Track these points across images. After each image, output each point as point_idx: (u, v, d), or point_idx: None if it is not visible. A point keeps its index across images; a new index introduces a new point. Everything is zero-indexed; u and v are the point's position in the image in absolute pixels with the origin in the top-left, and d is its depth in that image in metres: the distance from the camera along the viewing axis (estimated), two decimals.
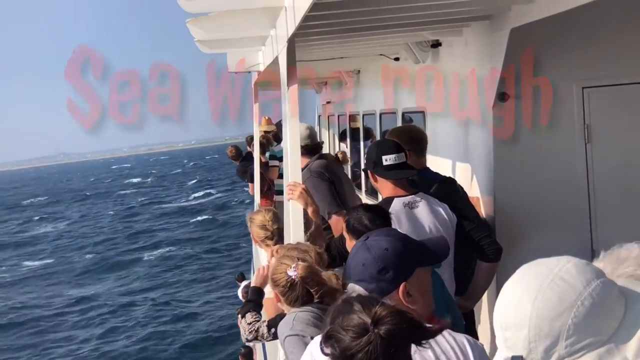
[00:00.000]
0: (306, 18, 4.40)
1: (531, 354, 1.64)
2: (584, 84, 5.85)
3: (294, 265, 3.83)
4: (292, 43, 5.06)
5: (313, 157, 7.14)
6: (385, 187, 5.09)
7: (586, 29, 5.77)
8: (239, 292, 16.54)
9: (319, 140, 7.85)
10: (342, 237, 4.74)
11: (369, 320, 2.07)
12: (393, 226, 4.69)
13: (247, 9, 5.45)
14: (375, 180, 5.12)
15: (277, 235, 5.52)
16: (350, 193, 7.29)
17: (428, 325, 2.21)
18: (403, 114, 9.15)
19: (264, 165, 12.41)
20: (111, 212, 60.74)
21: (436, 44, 7.28)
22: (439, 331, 2.20)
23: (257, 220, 5.60)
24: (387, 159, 5.03)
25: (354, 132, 13.21)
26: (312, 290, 3.78)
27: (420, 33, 6.91)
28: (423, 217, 4.97)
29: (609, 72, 5.85)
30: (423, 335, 2.12)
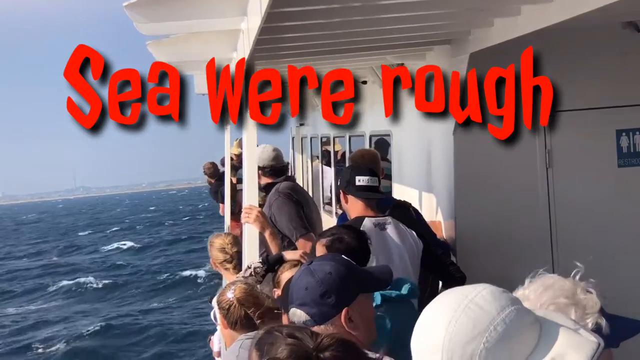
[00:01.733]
0: (262, 41, 4.40)
1: None
2: None
3: (233, 287, 3.84)
4: (251, 66, 5.04)
5: (280, 179, 7.13)
6: (355, 208, 5.10)
7: (546, 54, 5.79)
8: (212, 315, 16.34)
9: (285, 162, 7.84)
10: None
11: (311, 348, 2.03)
12: None
13: (207, 31, 5.44)
14: (346, 201, 5.14)
15: (236, 258, 5.50)
16: (317, 215, 7.27)
17: (371, 355, 2.18)
18: (370, 136, 9.16)
19: (233, 188, 12.35)
20: None
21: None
22: None
23: (217, 243, 5.61)
24: (361, 180, 5.07)
25: (325, 153, 13.22)
26: (249, 312, 3.77)
27: (384, 57, 6.93)
28: (391, 239, 4.98)
29: (571, 97, 5.88)
30: None
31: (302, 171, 16.10)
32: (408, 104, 7.26)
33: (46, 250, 58.50)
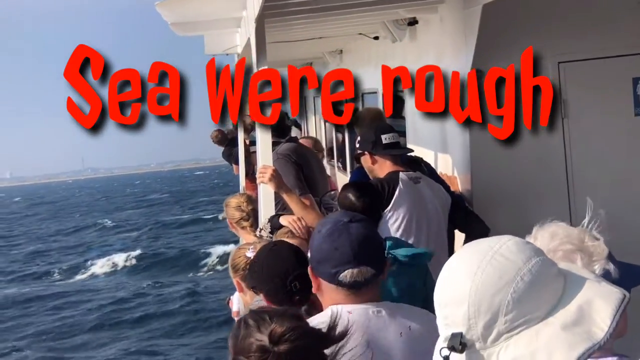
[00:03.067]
0: None
1: (470, 330, 1.61)
2: (560, 58, 5.80)
3: (251, 247, 3.82)
4: (260, 24, 5.00)
5: (284, 139, 7.09)
6: (384, 168, 5.13)
7: (560, 3, 5.73)
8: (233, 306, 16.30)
9: (287, 121, 7.77)
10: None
11: (267, 341, 2.04)
12: (399, 197, 4.84)
13: None
14: (373, 162, 5.15)
15: (252, 216, 5.54)
16: (322, 178, 7.23)
17: (331, 329, 2.17)
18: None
19: (246, 149, 12.36)
20: None
21: (413, 22, 7.22)
22: (343, 335, 2.15)
23: (233, 202, 5.66)
24: (386, 138, 5.13)
25: None
26: None
27: (395, 11, 6.84)
28: (426, 192, 5.11)
29: (585, 46, 5.81)
30: (327, 343, 2.10)
31: (315, 132, 16.07)
32: (423, 57, 7.21)
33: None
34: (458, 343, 1.58)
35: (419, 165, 5.66)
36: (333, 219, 2.87)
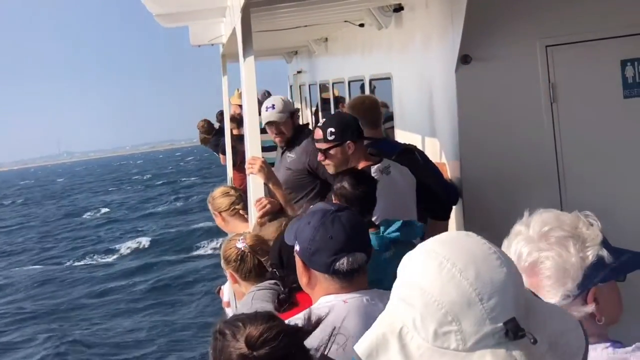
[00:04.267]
0: None
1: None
2: (547, 42, 5.76)
3: (241, 237, 3.85)
4: (246, 12, 4.94)
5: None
6: (359, 157, 5.08)
7: None
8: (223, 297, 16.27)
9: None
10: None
11: (245, 348, 2.04)
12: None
13: None
14: (352, 150, 5.09)
15: (242, 200, 5.50)
16: None
17: (306, 320, 2.19)
18: (370, 80, 9.05)
19: (239, 139, 12.30)
20: None
21: (398, 9, 7.17)
22: (318, 323, 2.17)
23: (217, 192, 5.60)
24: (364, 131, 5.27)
25: (325, 102, 13.11)
26: (262, 260, 3.79)
27: None
28: (398, 180, 5.09)
29: (573, 29, 5.77)
30: (303, 335, 2.11)
31: (302, 120, 16.02)
32: (409, 44, 7.19)
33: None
34: (517, 328, 1.48)
35: (412, 154, 5.62)
36: (320, 210, 2.91)
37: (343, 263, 2.76)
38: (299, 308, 3.04)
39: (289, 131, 6.21)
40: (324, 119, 5.33)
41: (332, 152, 5.04)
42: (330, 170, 5.15)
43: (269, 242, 3.83)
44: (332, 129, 5.05)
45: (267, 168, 4.99)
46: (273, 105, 6.15)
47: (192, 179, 74.92)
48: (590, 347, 1.68)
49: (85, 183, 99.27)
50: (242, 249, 3.83)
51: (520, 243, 2.13)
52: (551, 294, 2.06)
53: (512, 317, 1.48)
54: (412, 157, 5.54)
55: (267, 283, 3.62)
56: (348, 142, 5.02)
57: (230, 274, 3.92)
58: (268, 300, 3.54)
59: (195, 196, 51.59)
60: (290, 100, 7.47)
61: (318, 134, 5.13)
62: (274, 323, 2.10)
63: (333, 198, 4.36)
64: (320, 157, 5.14)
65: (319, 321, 2.17)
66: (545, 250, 2.10)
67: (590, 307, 2.09)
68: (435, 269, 1.52)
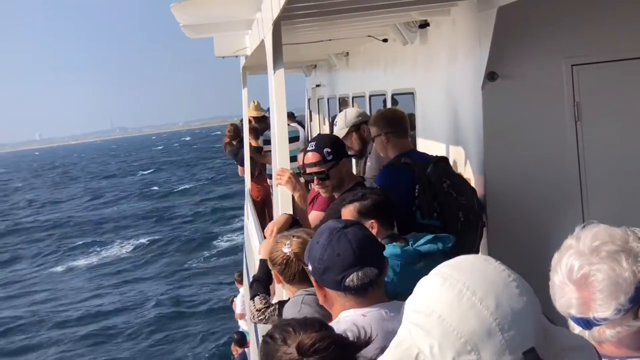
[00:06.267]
0: (291, 0, 4.35)
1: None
2: (573, 61, 5.80)
3: (288, 242, 3.89)
4: (277, 26, 5.00)
5: None
6: (350, 174, 5.26)
7: (574, 6, 5.73)
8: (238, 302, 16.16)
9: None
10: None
11: (295, 354, 2.05)
12: None
13: None
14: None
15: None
16: None
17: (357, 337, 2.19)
18: (392, 95, 9.10)
19: (257, 150, 12.34)
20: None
21: (424, 25, 7.22)
22: (368, 342, 2.16)
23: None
24: None
25: None
26: (305, 267, 3.79)
27: (407, 13, 6.84)
28: None
29: (598, 49, 5.81)
30: (354, 351, 2.10)
31: (319, 131, 16.05)
32: (434, 60, 7.23)
33: None
34: (536, 358, 1.51)
35: (447, 164, 5.63)
36: (327, 229, 2.93)
37: (353, 279, 2.77)
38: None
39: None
40: (313, 143, 5.17)
41: (332, 172, 4.97)
42: (327, 193, 5.09)
43: None
44: (329, 149, 4.96)
45: (295, 179, 5.01)
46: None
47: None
48: None
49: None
50: (288, 254, 3.86)
51: (572, 257, 2.14)
52: (603, 308, 2.07)
53: (532, 346, 1.49)
54: (447, 166, 5.56)
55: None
56: (343, 159, 5.01)
57: (275, 274, 3.99)
58: (316, 307, 3.54)
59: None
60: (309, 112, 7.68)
61: (313, 157, 4.99)
62: (327, 333, 2.11)
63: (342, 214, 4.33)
64: (315, 182, 5.02)
65: (369, 340, 2.16)
66: (597, 264, 2.11)
67: None
68: (455, 297, 1.52)
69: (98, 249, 37.89)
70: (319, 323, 2.17)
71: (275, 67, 5.18)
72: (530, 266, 2.85)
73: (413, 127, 7.83)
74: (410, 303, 1.64)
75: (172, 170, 79.33)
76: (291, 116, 14.16)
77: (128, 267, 33.57)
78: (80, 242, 40.34)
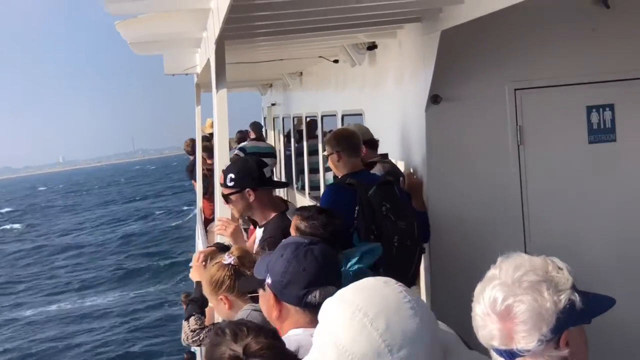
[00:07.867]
0: (233, 20, 4.35)
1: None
2: (516, 85, 5.88)
3: (226, 254, 3.80)
4: (220, 45, 5.00)
5: None
6: (264, 204, 5.01)
7: (517, 31, 5.81)
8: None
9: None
10: None
11: (241, 353, 2.03)
12: None
13: (176, 10, 5.37)
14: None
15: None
16: None
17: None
18: (342, 116, 9.13)
19: (210, 169, 12.28)
20: None
21: (372, 47, 7.27)
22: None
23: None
24: None
25: (299, 133, 13.19)
26: (248, 273, 3.64)
27: (355, 35, 6.89)
28: None
29: (541, 74, 5.89)
30: None
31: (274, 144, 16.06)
32: (381, 82, 7.28)
33: None
34: None
35: (392, 187, 5.57)
36: (293, 243, 2.90)
37: (315, 296, 2.75)
38: None
39: None
40: (227, 165, 5.16)
41: (232, 197, 4.91)
42: (236, 214, 5.06)
43: (253, 256, 3.78)
44: (232, 175, 4.90)
45: (239, 232, 4.95)
46: None
47: None
48: None
49: None
50: (232, 263, 3.75)
51: (496, 288, 2.12)
52: (527, 340, 2.05)
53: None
54: (391, 189, 5.49)
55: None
56: (247, 189, 4.89)
57: (223, 299, 3.77)
58: (262, 323, 3.47)
59: None
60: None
61: (221, 178, 5.02)
62: (277, 344, 2.09)
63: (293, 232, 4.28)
64: (222, 201, 5.04)
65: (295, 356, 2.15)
66: (520, 295, 2.09)
67: (565, 351, 2.09)
68: (348, 318, 1.54)
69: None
70: (274, 333, 2.16)
71: (218, 86, 5.16)
72: (471, 283, 2.86)
73: None
74: (318, 324, 1.65)
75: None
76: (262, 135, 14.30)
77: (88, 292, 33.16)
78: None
